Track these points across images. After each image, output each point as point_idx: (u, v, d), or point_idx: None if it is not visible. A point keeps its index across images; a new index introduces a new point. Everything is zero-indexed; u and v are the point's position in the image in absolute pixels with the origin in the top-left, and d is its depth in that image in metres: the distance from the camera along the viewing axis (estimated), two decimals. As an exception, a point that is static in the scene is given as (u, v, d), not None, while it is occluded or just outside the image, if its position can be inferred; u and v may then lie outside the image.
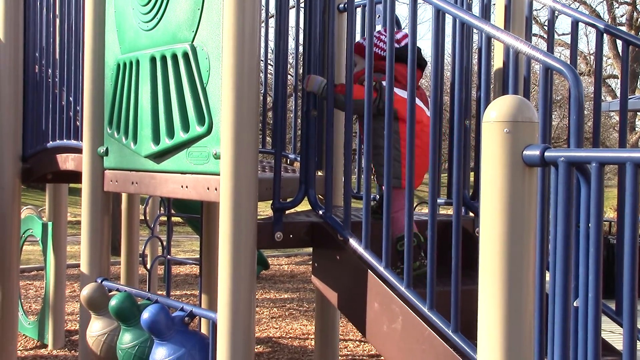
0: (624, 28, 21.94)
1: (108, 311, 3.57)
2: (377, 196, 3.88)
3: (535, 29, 22.24)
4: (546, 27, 18.58)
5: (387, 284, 2.93)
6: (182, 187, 3.34)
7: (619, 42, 4.37)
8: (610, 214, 15.80)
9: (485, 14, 3.62)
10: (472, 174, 3.70)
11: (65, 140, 4.66)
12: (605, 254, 8.14)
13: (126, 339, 3.49)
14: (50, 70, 4.95)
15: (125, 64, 3.70)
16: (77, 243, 7.84)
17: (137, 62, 3.59)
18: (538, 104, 2.62)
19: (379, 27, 4.08)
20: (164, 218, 6.28)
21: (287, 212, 3.36)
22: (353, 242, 3.08)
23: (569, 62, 3.14)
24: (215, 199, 3.12)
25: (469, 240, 3.29)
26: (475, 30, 3.34)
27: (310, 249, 3.44)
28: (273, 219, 3.28)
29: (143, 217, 7.25)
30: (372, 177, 3.44)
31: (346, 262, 3.17)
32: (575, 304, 2.01)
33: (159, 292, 7.28)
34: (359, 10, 4.44)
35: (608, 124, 27.50)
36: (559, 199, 2.01)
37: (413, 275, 2.87)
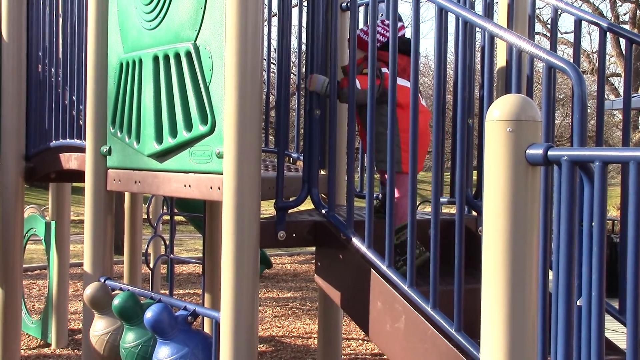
0: (627, 26, 21.90)
1: (111, 310, 3.58)
2: (380, 195, 3.88)
3: (538, 27, 22.20)
4: (549, 26, 18.55)
5: (390, 283, 2.92)
6: (185, 186, 3.34)
7: (622, 41, 4.36)
8: (613, 212, 15.79)
9: (488, 12, 3.61)
10: (474, 172, 3.70)
11: (68, 140, 4.67)
12: (609, 252, 8.13)
13: (129, 338, 3.50)
14: (53, 70, 4.96)
15: (128, 63, 3.71)
16: (80, 242, 7.85)
17: (140, 61, 3.60)
18: (541, 102, 2.62)
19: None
20: (167, 217, 6.28)
21: (290, 211, 3.36)
22: (356, 241, 3.08)
23: (572, 61, 3.13)
24: (218, 198, 3.12)
25: (471, 239, 3.28)
26: (478, 29, 3.34)
27: (313, 248, 3.44)
28: (276, 218, 3.28)
29: (146, 216, 7.26)
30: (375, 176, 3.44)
31: (349, 261, 3.16)
32: (578, 303, 2.01)
33: (162, 291, 7.28)
34: (361, 9, 4.43)
35: (611, 123, 27.47)
36: (562, 197, 2.01)
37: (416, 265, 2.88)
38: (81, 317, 5.27)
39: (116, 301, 3.52)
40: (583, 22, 3.50)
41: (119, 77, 3.78)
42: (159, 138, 3.46)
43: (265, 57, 3.82)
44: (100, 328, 3.71)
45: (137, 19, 3.62)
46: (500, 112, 2.05)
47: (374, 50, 3.05)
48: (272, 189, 3.33)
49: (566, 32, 23.79)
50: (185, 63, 3.29)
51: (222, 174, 3.06)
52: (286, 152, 4.01)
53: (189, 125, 3.28)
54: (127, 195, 7.21)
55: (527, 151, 2.03)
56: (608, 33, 3.41)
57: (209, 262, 5.62)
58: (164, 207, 7.15)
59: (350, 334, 7.44)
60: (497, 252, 2.05)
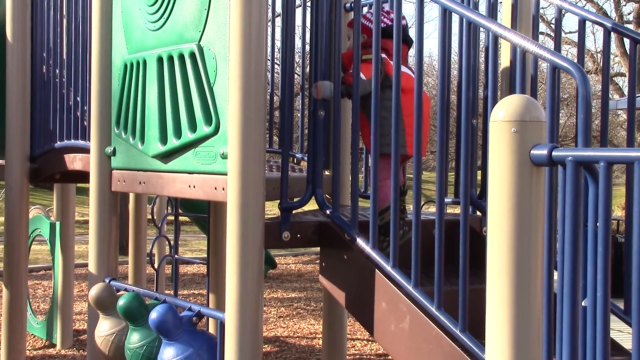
0: (631, 26, 21.86)
1: (116, 311, 3.58)
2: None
3: (542, 27, 22.17)
4: (553, 26, 18.52)
5: (394, 283, 2.92)
6: (189, 187, 3.34)
7: (627, 40, 4.35)
8: (617, 212, 15.76)
9: (492, 12, 3.61)
10: (478, 172, 3.70)
11: (72, 140, 4.68)
12: (613, 252, 8.11)
13: (134, 339, 3.50)
14: (57, 71, 4.97)
15: (132, 64, 3.71)
16: (85, 242, 7.86)
17: (144, 62, 3.60)
18: (545, 102, 2.62)
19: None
20: (172, 217, 6.29)
21: (294, 211, 3.36)
22: (360, 241, 3.08)
23: (576, 61, 3.13)
24: (222, 198, 3.12)
25: (476, 240, 3.28)
26: (482, 29, 3.34)
27: (318, 248, 3.44)
28: (280, 219, 3.28)
29: (150, 217, 7.26)
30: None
31: (353, 261, 3.16)
32: (583, 304, 2.01)
33: (167, 292, 7.29)
34: (365, 9, 4.43)
35: (615, 122, 27.41)
36: (566, 198, 2.00)
37: (400, 245, 2.94)
38: (86, 318, 5.27)
39: (121, 302, 3.52)
40: (587, 22, 3.49)
41: (123, 78, 3.79)
42: (164, 139, 3.46)
43: (269, 58, 3.83)
44: (105, 329, 3.71)
45: (141, 20, 3.63)
46: (504, 112, 2.05)
47: (378, 39, 3.04)
48: (276, 189, 3.33)
49: (570, 32, 23.73)
50: (189, 64, 3.29)
51: (226, 174, 3.06)
52: (290, 153, 4.01)
53: (193, 126, 3.28)
54: (131, 196, 7.22)
55: (532, 152, 2.03)
56: (612, 33, 3.41)
57: (214, 262, 5.63)
58: (169, 208, 7.16)
59: (354, 334, 7.44)
60: (501, 252, 2.05)
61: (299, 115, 5.15)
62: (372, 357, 6.82)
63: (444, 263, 2.74)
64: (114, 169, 3.91)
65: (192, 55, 3.27)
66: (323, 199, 3.32)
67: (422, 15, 2.91)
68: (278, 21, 5.67)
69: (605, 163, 1.91)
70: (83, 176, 4.38)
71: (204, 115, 3.22)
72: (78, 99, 4.61)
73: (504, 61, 3.52)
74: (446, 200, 3.68)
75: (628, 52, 3.61)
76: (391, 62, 3.38)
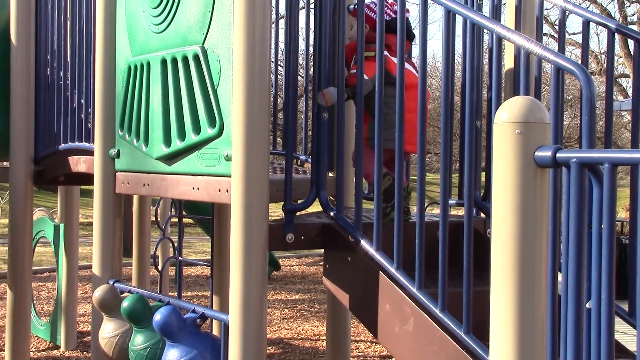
0: (635, 27, 21.82)
1: (120, 313, 3.58)
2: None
3: (546, 28, 22.16)
4: (557, 27, 18.50)
5: (398, 285, 2.92)
6: (193, 189, 3.34)
7: (631, 41, 4.35)
8: (622, 214, 15.73)
9: (496, 14, 3.61)
10: (482, 174, 3.69)
11: (77, 143, 4.68)
12: (618, 254, 8.10)
13: (138, 341, 3.50)
14: (61, 73, 4.98)
15: (136, 66, 3.72)
16: (89, 244, 7.87)
17: (148, 64, 3.60)
18: (549, 104, 2.61)
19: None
20: (175, 219, 6.30)
21: (298, 213, 3.36)
22: (364, 243, 3.08)
23: (580, 62, 3.13)
24: (226, 200, 3.12)
25: (480, 241, 3.28)
26: (485, 31, 3.33)
27: (322, 250, 3.44)
28: (284, 221, 3.27)
29: (154, 219, 7.27)
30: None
31: (357, 263, 3.16)
32: (587, 306, 2.00)
33: (171, 294, 7.30)
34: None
35: (619, 123, 27.36)
36: (571, 199, 2.00)
37: (386, 221, 3.04)
38: (90, 320, 5.29)
39: (125, 304, 3.52)
40: (591, 23, 3.49)
41: (127, 80, 3.79)
42: (167, 141, 3.47)
43: (273, 60, 3.83)
44: (109, 330, 3.71)
45: (145, 22, 3.63)
46: (508, 114, 2.05)
47: (381, 35, 3.04)
48: (280, 191, 3.33)
49: (574, 33, 23.74)
50: (193, 66, 3.29)
51: (230, 176, 3.06)
52: (294, 155, 4.01)
53: (197, 128, 3.29)
54: (135, 198, 7.23)
55: (536, 153, 2.03)
56: (616, 34, 3.40)
57: (218, 264, 5.63)
58: (172, 210, 7.17)
59: (358, 336, 7.43)
60: (505, 254, 2.05)
61: (302, 117, 5.15)
62: (376, 358, 6.82)
63: (448, 265, 2.74)
64: (118, 171, 3.92)
65: (196, 57, 3.27)
66: (327, 200, 3.32)
67: (425, 16, 2.90)
68: (282, 23, 5.68)
69: (609, 164, 1.91)
70: (87, 178, 4.39)
71: (207, 117, 3.22)
72: (82, 101, 4.62)
73: (508, 63, 3.52)
74: (450, 201, 3.67)
75: (632, 53, 3.59)
76: (392, 58, 3.40)
